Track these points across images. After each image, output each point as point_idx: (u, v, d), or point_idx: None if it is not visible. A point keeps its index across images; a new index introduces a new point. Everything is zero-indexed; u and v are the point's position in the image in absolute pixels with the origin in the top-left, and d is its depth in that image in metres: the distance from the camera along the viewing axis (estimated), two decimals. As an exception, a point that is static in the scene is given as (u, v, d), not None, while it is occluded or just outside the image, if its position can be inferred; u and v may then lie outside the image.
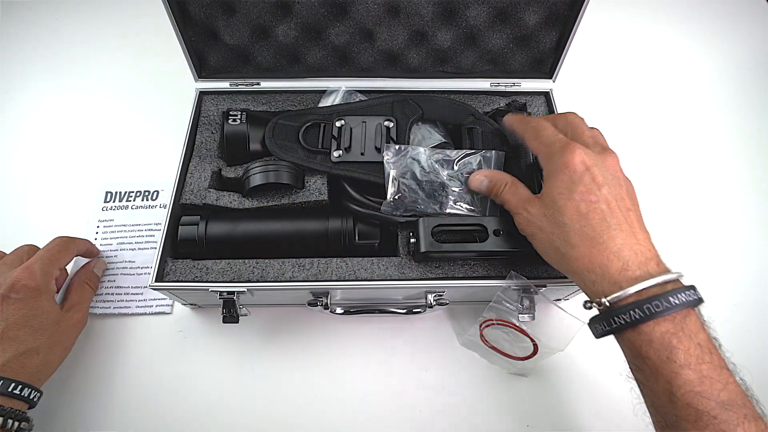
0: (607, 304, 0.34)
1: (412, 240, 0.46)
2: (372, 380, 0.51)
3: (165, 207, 0.50)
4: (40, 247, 0.49)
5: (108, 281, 0.55)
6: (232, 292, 0.45)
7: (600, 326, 0.36)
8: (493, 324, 0.47)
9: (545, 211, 0.39)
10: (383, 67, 0.57)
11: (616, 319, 0.34)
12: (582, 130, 0.42)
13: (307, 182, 0.50)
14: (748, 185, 0.66)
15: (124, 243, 0.57)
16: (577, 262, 0.36)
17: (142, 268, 0.56)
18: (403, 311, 0.49)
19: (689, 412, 0.31)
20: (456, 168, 0.49)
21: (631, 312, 0.33)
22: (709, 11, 0.82)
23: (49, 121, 0.68)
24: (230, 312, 0.46)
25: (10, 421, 0.39)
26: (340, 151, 0.50)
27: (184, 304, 0.53)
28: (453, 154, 0.49)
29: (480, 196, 0.48)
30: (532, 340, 0.46)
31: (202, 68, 0.56)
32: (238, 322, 0.46)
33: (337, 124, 0.52)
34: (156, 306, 0.54)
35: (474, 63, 0.57)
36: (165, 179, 0.59)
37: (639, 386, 0.35)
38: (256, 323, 0.53)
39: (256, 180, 0.48)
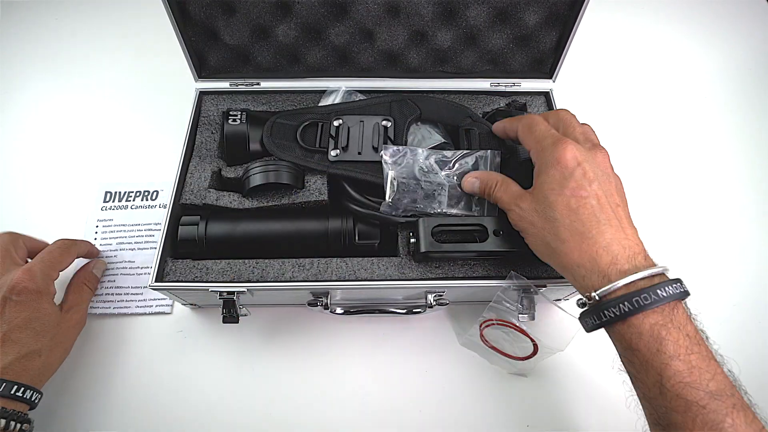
0: (597, 297, 0.35)
1: (412, 240, 0.46)
2: (372, 380, 0.51)
3: (165, 207, 0.50)
4: (20, 234, 0.49)
5: (108, 281, 0.55)
6: (232, 292, 0.45)
7: (590, 320, 0.36)
8: (493, 324, 0.47)
9: (536, 206, 0.39)
10: (383, 67, 0.57)
11: (606, 312, 0.34)
12: (573, 126, 0.42)
13: (307, 182, 0.50)
14: (748, 185, 0.66)
15: (123, 243, 0.57)
16: (567, 256, 0.37)
17: (141, 268, 0.56)
18: (403, 311, 0.49)
19: (679, 403, 0.31)
20: (453, 168, 0.49)
21: (621, 305, 0.33)
22: (709, 11, 0.82)
23: (49, 121, 0.68)
24: (230, 312, 0.46)
25: (12, 423, 0.39)
26: (338, 151, 0.50)
27: (184, 304, 0.53)
28: (450, 154, 0.49)
29: (477, 196, 0.48)
30: (532, 340, 0.46)
31: (202, 68, 0.56)
32: (238, 322, 0.46)
33: (335, 123, 0.52)
34: (156, 306, 0.54)
35: (474, 63, 0.57)
36: (165, 179, 0.59)
37: (630, 379, 0.35)
38: (256, 323, 0.53)
39: (256, 180, 0.48)
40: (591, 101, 0.70)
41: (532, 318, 0.45)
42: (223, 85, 0.57)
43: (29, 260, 0.49)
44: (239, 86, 0.57)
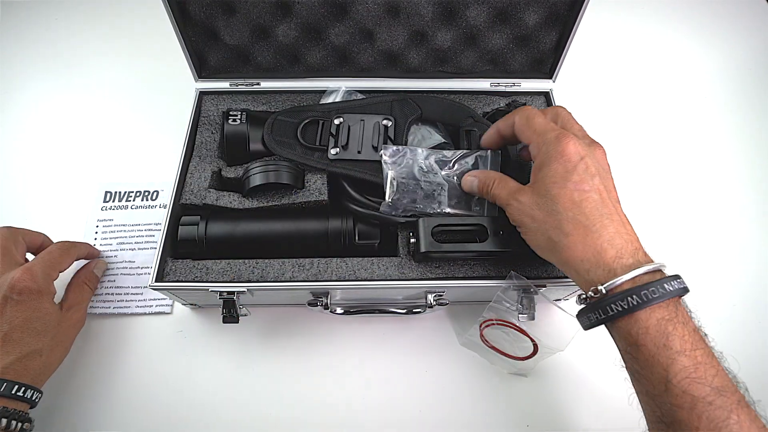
0: (604, 291, 0.34)
1: (412, 240, 0.46)
2: (372, 380, 0.51)
3: (165, 207, 0.50)
4: (19, 228, 0.49)
5: (108, 281, 0.55)
6: (232, 292, 0.45)
7: (594, 315, 0.35)
8: (493, 324, 0.47)
9: (537, 199, 0.39)
10: (383, 67, 0.57)
11: (612, 306, 0.34)
12: (572, 122, 0.42)
13: (307, 182, 0.50)
14: (748, 185, 0.66)
15: (123, 243, 0.57)
16: (570, 250, 0.36)
17: (142, 268, 0.56)
18: (403, 311, 0.49)
19: (685, 399, 0.31)
20: (453, 168, 0.49)
21: (629, 298, 0.33)
22: (709, 11, 0.82)
23: (49, 121, 0.68)
24: (230, 312, 0.46)
25: (13, 423, 0.39)
26: (338, 149, 0.50)
27: (184, 304, 0.53)
28: (450, 154, 0.49)
29: (477, 196, 0.48)
30: (532, 340, 0.46)
31: (202, 68, 0.56)
32: (238, 322, 0.46)
33: (336, 121, 0.52)
34: (156, 306, 0.54)
35: (474, 63, 0.57)
36: (165, 179, 0.59)
37: (633, 376, 0.35)
38: (256, 323, 0.53)
39: (256, 180, 0.48)
40: (591, 101, 0.70)
41: (532, 318, 0.45)
42: (223, 85, 0.57)
43: (28, 255, 0.49)
44: (239, 86, 0.57)
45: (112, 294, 0.54)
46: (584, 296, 0.36)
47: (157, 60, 0.71)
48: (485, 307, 0.46)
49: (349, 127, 0.51)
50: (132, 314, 0.54)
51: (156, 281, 0.45)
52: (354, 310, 0.49)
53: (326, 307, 0.48)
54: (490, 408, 0.49)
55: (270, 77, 0.57)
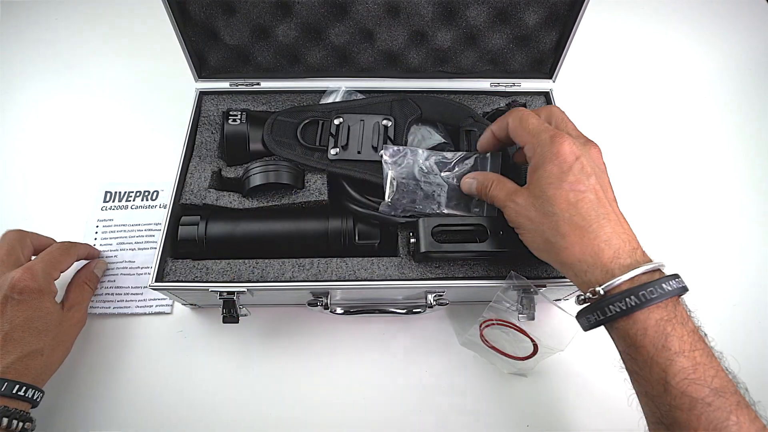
0: (602, 292, 0.34)
1: (412, 240, 0.46)
2: (372, 380, 0.51)
3: (165, 207, 0.50)
4: (27, 231, 0.49)
5: (108, 281, 0.55)
6: (232, 292, 0.45)
7: (592, 316, 0.35)
8: (493, 324, 0.47)
9: (533, 201, 0.39)
10: (383, 67, 0.57)
11: (611, 307, 0.34)
12: (566, 122, 0.42)
13: (307, 182, 0.50)
14: (748, 185, 0.66)
15: (123, 243, 0.57)
16: (567, 251, 0.36)
17: (142, 268, 0.56)
18: (403, 311, 0.49)
19: (684, 401, 0.31)
20: (453, 170, 0.49)
21: (627, 299, 0.33)
22: (709, 11, 0.82)
23: (49, 121, 0.68)
24: (230, 312, 0.46)
25: (14, 422, 0.39)
26: (338, 149, 0.50)
27: (184, 304, 0.53)
28: (450, 155, 0.49)
29: (477, 198, 0.48)
30: (532, 340, 0.46)
31: (202, 68, 0.56)
32: (238, 322, 0.46)
33: (336, 121, 0.52)
34: (156, 306, 0.54)
35: (474, 63, 0.57)
36: (165, 179, 0.59)
37: (632, 377, 0.35)
38: (256, 323, 0.53)
39: (256, 180, 0.48)
40: (591, 101, 0.70)
41: (532, 318, 0.45)
42: (223, 85, 0.57)
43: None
44: (239, 86, 0.57)
45: (112, 294, 0.54)
46: (582, 297, 0.36)
47: (157, 60, 0.71)
48: (485, 307, 0.47)
49: (348, 127, 0.51)
50: (132, 314, 0.54)
51: (156, 281, 0.45)
52: (354, 310, 0.49)
53: (326, 307, 0.48)
54: (490, 408, 0.49)
55: (270, 77, 0.57)
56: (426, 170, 0.48)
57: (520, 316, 0.45)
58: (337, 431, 0.48)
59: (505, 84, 0.58)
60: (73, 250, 0.50)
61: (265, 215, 0.50)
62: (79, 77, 0.72)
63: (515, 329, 0.46)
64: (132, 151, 0.65)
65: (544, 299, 0.47)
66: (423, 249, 0.44)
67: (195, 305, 0.53)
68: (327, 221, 0.49)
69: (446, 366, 0.51)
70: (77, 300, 0.49)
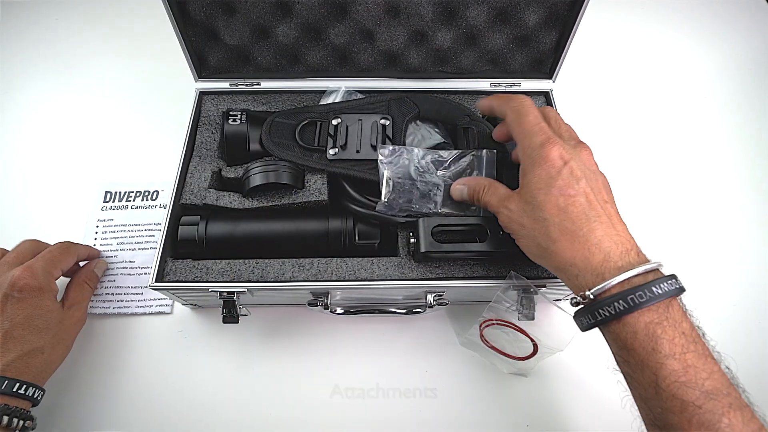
0: (592, 296, 0.34)
1: (412, 240, 0.46)
2: (372, 380, 0.51)
3: (165, 207, 0.50)
4: (43, 241, 0.49)
5: (108, 281, 0.55)
6: (232, 292, 0.45)
7: (585, 319, 0.36)
8: (493, 324, 0.47)
9: (524, 206, 0.39)
10: (383, 67, 0.57)
11: (601, 311, 0.34)
12: (559, 123, 0.42)
13: (307, 182, 0.50)
14: (748, 185, 0.66)
15: (123, 243, 0.57)
16: (559, 256, 0.36)
17: (142, 268, 0.56)
18: (403, 311, 0.49)
19: (675, 404, 0.31)
20: (449, 168, 0.49)
21: (616, 304, 0.33)
22: (709, 11, 0.82)
23: (49, 121, 0.68)
24: (230, 312, 0.46)
25: (15, 420, 0.39)
26: (336, 149, 0.50)
27: (184, 304, 0.53)
28: (446, 154, 0.49)
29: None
30: (532, 340, 0.46)
31: (202, 68, 0.56)
32: (238, 322, 0.46)
33: (334, 122, 0.52)
34: (156, 306, 0.54)
35: (474, 63, 0.57)
36: (165, 179, 0.59)
37: (626, 379, 0.35)
38: (256, 323, 0.53)
39: (256, 180, 0.48)
40: (591, 101, 0.70)
41: (532, 318, 0.45)
42: (223, 85, 0.57)
43: None
44: (239, 86, 0.57)
45: (112, 294, 0.54)
46: (576, 300, 0.36)
47: (157, 60, 0.71)
48: (485, 307, 0.46)
49: (347, 127, 0.51)
50: (132, 314, 0.54)
51: (156, 281, 0.45)
52: (354, 310, 0.49)
53: (326, 307, 0.48)
54: (490, 408, 0.49)
55: (270, 77, 0.57)
56: (422, 169, 0.48)
57: (519, 315, 0.45)
58: (336, 431, 0.48)
59: (505, 84, 0.58)
60: (73, 249, 0.50)
61: (265, 215, 0.50)
62: (79, 77, 0.72)
63: (515, 329, 0.46)
64: (132, 151, 0.65)
65: (543, 299, 0.47)
66: (423, 249, 0.44)
67: (195, 305, 0.53)
68: (327, 221, 0.49)
69: (446, 366, 0.51)
70: (77, 299, 0.49)
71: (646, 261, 0.35)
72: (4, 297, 0.43)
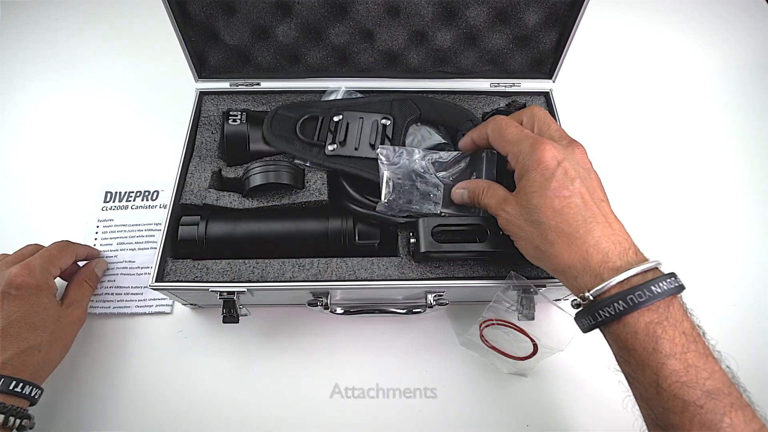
0: (591, 298, 0.34)
1: (412, 240, 0.46)
2: (372, 380, 0.51)
3: (165, 207, 0.50)
4: (44, 245, 0.49)
5: (108, 281, 0.55)
6: (232, 292, 0.45)
7: (586, 320, 0.36)
8: (493, 324, 0.47)
9: (521, 210, 0.38)
10: (383, 68, 0.57)
11: (600, 312, 0.34)
12: (548, 123, 0.41)
13: (307, 182, 0.50)
14: (748, 185, 0.66)
15: (123, 243, 0.57)
16: (557, 258, 0.36)
17: (142, 268, 0.56)
18: (403, 311, 0.49)
19: (676, 404, 0.31)
20: (449, 170, 0.49)
21: (615, 304, 0.33)
22: (709, 11, 0.82)
23: (49, 121, 0.68)
24: (230, 312, 0.46)
25: (11, 419, 0.39)
26: (335, 145, 0.50)
27: (184, 304, 0.53)
28: (446, 155, 0.49)
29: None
30: (532, 340, 0.46)
31: (202, 68, 0.56)
32: (238, 322, 0.46)
33: (335, 118, 0.52)
34: (156, 306, 0.54)
35: (474, 63, 0.57)
36: (165, 179, 0.59)
37: (627, 379, 0.35)
38: (256, 323, 0.53)
39: (256, 180, 0.48)
40: (591, 101, 0.70)
41: (532, 318, 0.45)
42: (223, 85, 0.57)
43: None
44: (239, 86, 0.57)
45: (112, 294, 0.54)
46: (576, 302, 0.36)
47: (157, 60, 0.71)
48: (485, 307, 0.46)
49: (347, 124, 0.51)
50: (132, 314, 0.54)
51: (156, 281, 0.45)
52: (354, 310, 0.49)
53: (326, 307, 0.48)
54: (490, 408, 0.49)
55: (270, 77, 0.57)
56: (422, 170, 0.48)
57: (519, 315, 0.45)
58: (336, 431, 0.48)
59: (505, 84, 0.58)
60: (71, 248, 0.50)
61: (265, 215, 0.50)
62: (79, 77, 0.72)
63: (515, 329, 0.46)
64: (132, 151, 0.65)
65: (543, 299, 0.47)
66: (423, 249, 0.44)
67: (195, 305, 0.53)
68: (327, 221, 0.49)
69: (446, 366, 0.51)
70: (76, 297, 0.49)
71: (645, 260, 0.35)
72: (2, 294, 0.43)
